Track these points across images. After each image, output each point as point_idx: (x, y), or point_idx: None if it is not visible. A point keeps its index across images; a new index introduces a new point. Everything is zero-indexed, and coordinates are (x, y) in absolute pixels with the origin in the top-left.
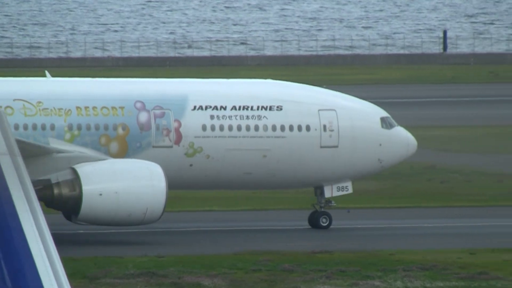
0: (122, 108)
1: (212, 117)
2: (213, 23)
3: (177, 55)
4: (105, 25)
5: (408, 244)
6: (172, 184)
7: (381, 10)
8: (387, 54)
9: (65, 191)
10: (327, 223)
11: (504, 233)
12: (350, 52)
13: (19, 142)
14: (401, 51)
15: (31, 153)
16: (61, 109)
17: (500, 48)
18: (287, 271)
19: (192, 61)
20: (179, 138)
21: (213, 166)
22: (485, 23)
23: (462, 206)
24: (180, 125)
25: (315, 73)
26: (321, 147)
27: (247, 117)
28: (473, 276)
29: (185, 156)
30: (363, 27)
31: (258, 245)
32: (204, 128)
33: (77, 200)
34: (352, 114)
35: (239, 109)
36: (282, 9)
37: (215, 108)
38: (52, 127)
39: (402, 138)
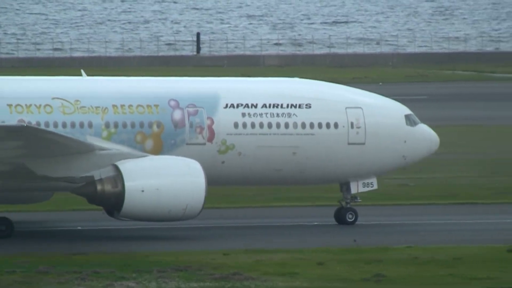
0: (156, 106)
1: (243, 114)
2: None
3: None
4: None
5: (163, 246)
6: None
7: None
8: (141, 56)
9: (108, 187)
10: (353, 218)
11: (257, 233)
12: (104, 55)
13: (66, 138)
14: (156, 54)
15: (75, 150)
16: (98, 107)
17: (254, 50)
18: (42, 273)
19: None
20: (212, 135)
21: (245, 163)
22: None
23: (217, 207)
24: (212, 122)
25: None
26: (349, 144)
27: (277, 114)
28: (227, 277)
29: (218, 153)
30: (121, 26)
31: (16, 247)
32: (236, 125)
33: (120, 196)
34: (378, 112)
35: (270, 107)
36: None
37: (247, 106)
38: (90, 125)
39: (426, 135)
